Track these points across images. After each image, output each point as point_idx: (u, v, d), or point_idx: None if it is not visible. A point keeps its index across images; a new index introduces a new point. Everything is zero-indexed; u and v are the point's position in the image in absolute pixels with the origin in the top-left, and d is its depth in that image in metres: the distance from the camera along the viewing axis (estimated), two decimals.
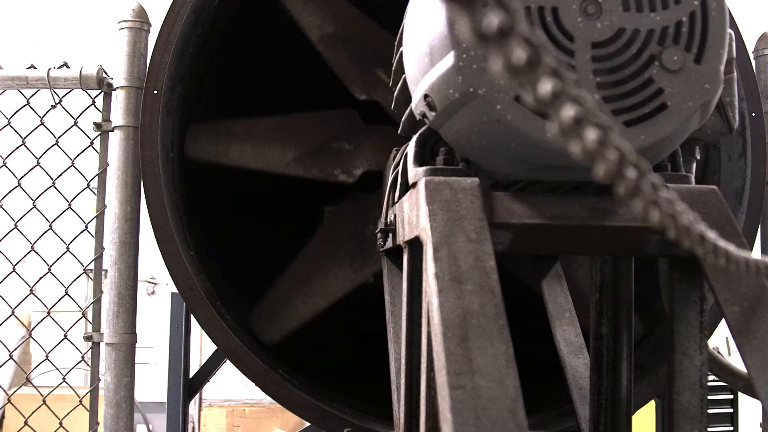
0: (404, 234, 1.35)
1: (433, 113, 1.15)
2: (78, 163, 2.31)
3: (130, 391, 2.18)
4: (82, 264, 2.34)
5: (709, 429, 1.17)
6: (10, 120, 2.32)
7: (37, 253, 2.27)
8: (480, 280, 0.95)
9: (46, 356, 2.29)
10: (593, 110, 0.54)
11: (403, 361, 1.41)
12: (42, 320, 2.34)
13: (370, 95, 2.40)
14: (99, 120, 2.25)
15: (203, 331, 2.08)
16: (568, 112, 0.51)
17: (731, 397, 3.99)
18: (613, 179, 0.59)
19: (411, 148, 1.28)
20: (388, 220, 1.64)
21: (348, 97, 2.46)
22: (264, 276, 2.53)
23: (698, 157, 1.41)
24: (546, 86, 0.50)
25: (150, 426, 5.37)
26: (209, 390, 5.55)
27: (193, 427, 4.31)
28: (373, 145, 2.42)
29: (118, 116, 2.20)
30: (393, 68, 1.64)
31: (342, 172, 2.42)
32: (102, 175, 2.24)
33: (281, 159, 2.40)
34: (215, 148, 2.37)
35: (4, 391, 3.05)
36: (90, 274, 2.31)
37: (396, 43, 1.59)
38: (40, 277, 2.27)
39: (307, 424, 2.48)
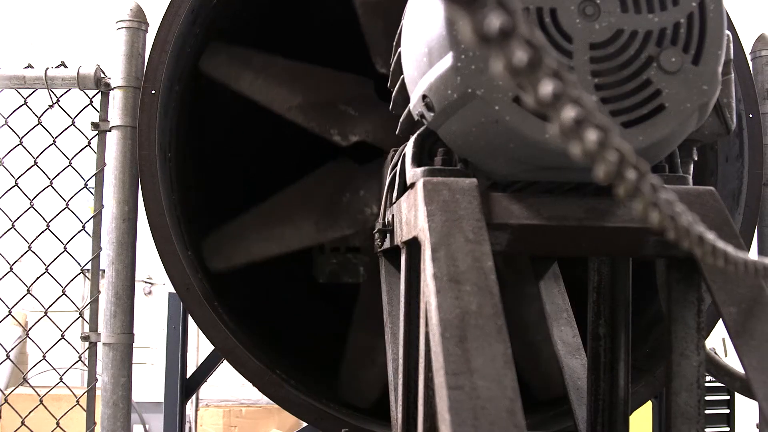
0: (402, 234, 1.34)
1: (432, 114, 1.15)
2: (75, 162, 2.30)
3: (127, 391, 2.17)
4: (79, 264, 2.34)
5: (705, 430, 1.17)
6: (8, 119, 2.31)
7: (34, 252, 2.26)
8: (478, 281, 0.95)
9: (44, 356, 2.29)
10: (593, 111, 0.54)
11: (400, 361, 1.41)
12: (39, 320, 2.33)
13: (389, 71, 2.39)
14: (96, 120, 2.25)
15: (200, 331, 2.08)
16: (569, 113, 0.51)
17: (728, 398, 3.99)
18: (613, 180, 0.59)
19: (409, 148, 1.28)
20: (386, 220, 1.64)
21: None
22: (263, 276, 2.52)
23: (695, 159, 1.42)
24: (547, 88, 0.50)
25: (147, 426, 5.37)
26: (206, 390, 5.55)
27: (190, 428, 4.31)
28: (378, 119, 2.40)
29: (115, 116, 2.20)
30: (391, 69, 1.64)
31: (338, 133, 2.41)
32: (99, 175, 2.23)
33: (286, 102, 2.39)
34: (229, 71, 2.37)
35: (1, 391, 3.04)
36: (87, 274, 2.30)
37: (394, 43, 1.59)
38: (38, 277, 2.26)
39: (305, 424, 2.48)
